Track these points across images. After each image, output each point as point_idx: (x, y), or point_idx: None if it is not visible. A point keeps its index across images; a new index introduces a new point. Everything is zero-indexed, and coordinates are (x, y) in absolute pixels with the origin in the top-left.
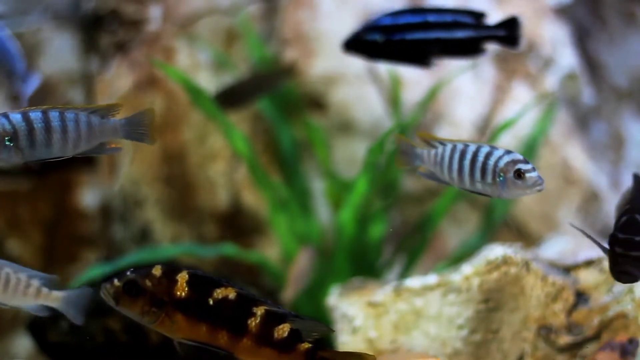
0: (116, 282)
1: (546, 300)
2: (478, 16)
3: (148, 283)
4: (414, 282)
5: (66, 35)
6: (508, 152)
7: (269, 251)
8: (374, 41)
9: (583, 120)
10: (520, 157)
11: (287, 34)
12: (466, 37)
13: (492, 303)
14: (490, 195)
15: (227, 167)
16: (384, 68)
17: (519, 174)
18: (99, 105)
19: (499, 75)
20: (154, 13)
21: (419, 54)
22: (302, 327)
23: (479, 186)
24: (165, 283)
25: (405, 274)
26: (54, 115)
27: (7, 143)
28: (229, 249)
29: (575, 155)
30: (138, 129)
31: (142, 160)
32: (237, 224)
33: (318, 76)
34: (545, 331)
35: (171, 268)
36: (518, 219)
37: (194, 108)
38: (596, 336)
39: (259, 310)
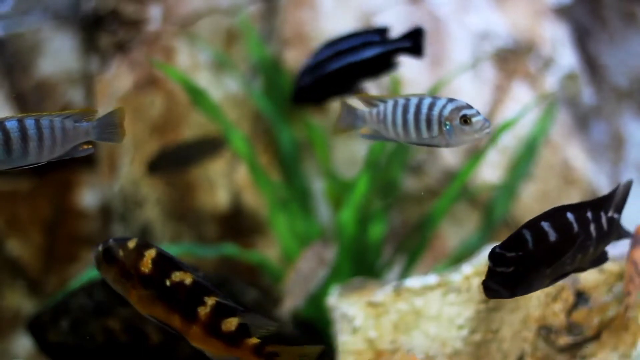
0: (100, 247)
1: (546, 300)
2: (382, 32)
3: (121, 253)
4: (414, 282)
5: (66, 35)
6: (451, 100)
7: (269, 251)
8: (306, 85)
9: (583, 120)
10: (464, 103)
11: (287, 34)
12: (376, 55)
13: (492, 303)
14: (437, 145)
15: (227, 167)
16: None
17: (465, 120)
18: (73, 111)
19: (499, 75)
20: (154, 13)
21: (343, 83)
22: (251, 323)
23: (425, 138)
24: (134, 256)
25: (405, 274)
26: (29, 123)
27: None
28: (229, 249)
29: (575, 155)
30: (109, 129)
31: (142, 160)
32: (237, 224)
33: None
34: (545, 331)
35: (144, 243)
36: (518, 218)
37: (194, 108)
38: (596, 336)
39: (210, 301)
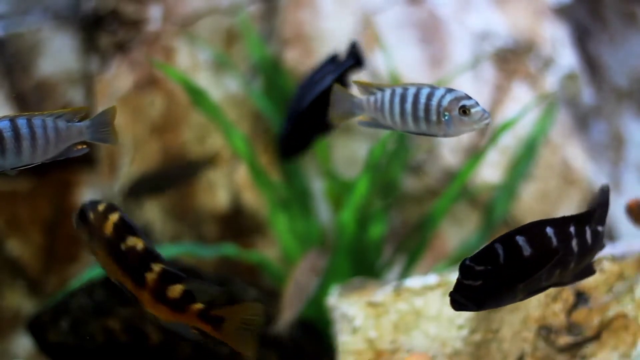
0: (79, 207)
1: (546, 300)
2: (334, 59)
3: (91, 215)
4: (414, 282)
5: (66, 35)
6: (450, 90)
7: (269, 251)
8: (286, 138)
9: (583, 120)
10: (463, 93)
11: (287, 34)
12: (332, 83)
13: None
14: (435, 135)
15: (227, 167)
16: (384, 67)
17: (464, 110)
18: (64, 110)
19: (499, 75)
20: (154, 13)
21: (318, 122)
22: (195, 289)
23: (423, 127)
24: (100, 219)
25: (405, 274)
26: (21, 123)
27: None
28: (229, 249)
29: (575, 155)
30: (102, 129)
31: (142, 160)
32: (237, 224)
33: None
34: (545, 331)
35: (111, 206)
36: (518, 218)
37: (194, 108)
38: (596, 336)
39: (157, 267)
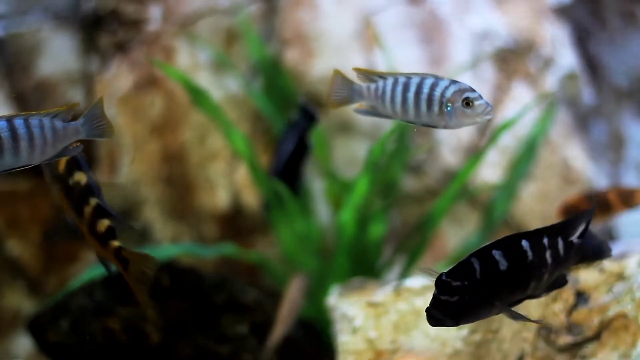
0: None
1: (546, 300)
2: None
3: (55, 162)
4: (414, 282)
5: (66, 35)
6: (454, 81)
7: (269, 251)
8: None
9: (583, 120)
10: (467, 85)
11: (287, 34)
12: (297, 142)
13: None
14: (436, 126)
15: (227, 167)
16: (384, 67)
17: (467, 103)
18: (58, 109)
19: (499, 75)
20: (154, 13)
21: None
22: (118, 227)
23: (424, 118)
24: (58, 161)
25: (405, 274)
26: (19, 123)
27: None
28: (229, 249)
29: (575, 155)
30: (97, 124)
31: (142, 160)
32: (237, 224)
33: (318, 76)
34: (545, 331)
35: (72, 157)
36: (518, 218)
37: (194, 108)
38: (596, 336)
39: (93, 201)
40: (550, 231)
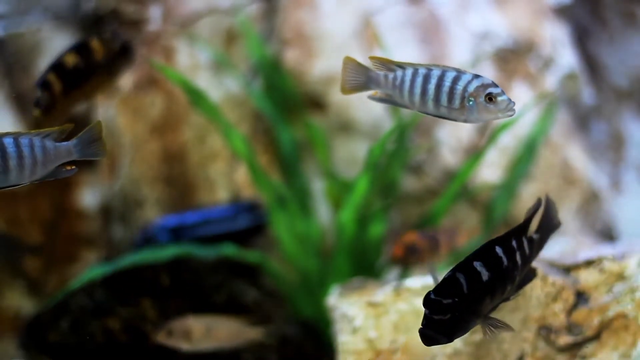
0: None
1: (546, 300)
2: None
3: None
4: (414, 282)
5: (66, 36)
6: (477, 76)
7: (269, 251)
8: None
9: (583, 120)
10: (490, 80)
11: (287, 34)
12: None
13: None
14: (454, 119)
15: (227, 167)
16: None
17: (490, 98)
18: (50, 129)
19: (499, 75)
20: (154, 13)
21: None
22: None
23: (444, 111)
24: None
25: (405, 274)
26: (8, 141)
27: None
28: (229, 249)
29: (575, 155)
30: (91, 146)
31: (142, 160)
32: None
33: (318, 76)
34: (545, 331)
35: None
36: (518, 218)
37: (194, 109)
38: (596, 336)
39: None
40: (516, 233)
